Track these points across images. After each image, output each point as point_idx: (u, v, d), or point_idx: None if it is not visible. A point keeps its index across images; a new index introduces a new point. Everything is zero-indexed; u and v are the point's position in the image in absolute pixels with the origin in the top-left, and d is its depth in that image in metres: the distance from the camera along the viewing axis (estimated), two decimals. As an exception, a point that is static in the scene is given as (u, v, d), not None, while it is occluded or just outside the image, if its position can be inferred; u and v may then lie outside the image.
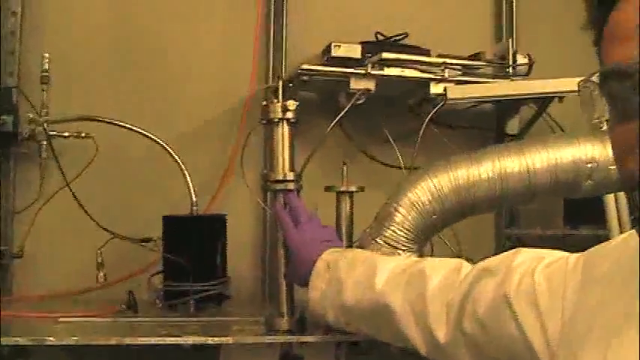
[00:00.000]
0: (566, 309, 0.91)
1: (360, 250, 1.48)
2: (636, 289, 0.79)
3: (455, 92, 1.83)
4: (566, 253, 1.01)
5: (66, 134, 1.87)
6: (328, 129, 1.78)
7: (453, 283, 1.16)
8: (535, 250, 1.08)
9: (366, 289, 1.29)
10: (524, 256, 1.06)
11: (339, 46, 1.84)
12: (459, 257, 1.32)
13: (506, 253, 1.11)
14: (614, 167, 1.33)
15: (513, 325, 0.99)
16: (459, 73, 1.88)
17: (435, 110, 1.83)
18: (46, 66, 1.85)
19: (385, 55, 1.82)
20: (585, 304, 0.89)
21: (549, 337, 0.93)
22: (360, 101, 1.81)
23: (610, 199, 1.78)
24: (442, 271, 1.20)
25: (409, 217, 1.52)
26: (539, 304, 0.96)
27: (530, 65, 1.99)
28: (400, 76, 1.84)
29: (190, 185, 1.83)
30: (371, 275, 1.29)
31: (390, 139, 2.01)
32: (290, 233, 1.47)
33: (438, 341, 1.15)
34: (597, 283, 0.89)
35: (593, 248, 0.96)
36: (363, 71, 1.80)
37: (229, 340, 1.51)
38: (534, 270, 1.00)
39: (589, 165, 1.52)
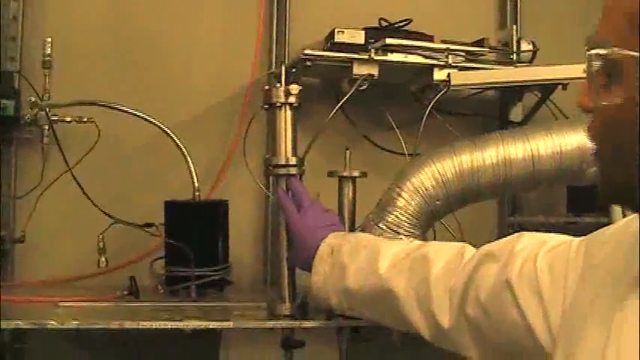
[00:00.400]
0: (567, 297, 0.91)
1: (363, 234, 1.47)
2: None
3: (458, 78, 1.82)
4: (569, 237, 1.01)
5: (68, 119, 1.86)
6: (330, 115, 1.77)
7: (456, 268, 1.16)
8: (538, 234, 1.08)
9: (369, 274, 1.29)
10: (527, 240, 1.06)
11: (343, 31, 1.83)
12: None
13: (509, 237, 1.11)
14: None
15: (515, 311, 0.99)
16: (463, 59, 1.86)
17: (438, 96, 1.82)
18: (48, 50, 1.84)
19: (388, 40, 1.81)
20: (585, 291, 0.89)
21: (551, 324, 0.93)
22: (363, 87, 1.80)
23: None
24: (445, 256, 1.20)
25: (412, 203, 1.52)
26: (541, 291, 0.95)
27: (534, 52, 1.98)
28: (403, 62, 1.82)
29: (193, 171, 1.82)
30: (374, 260, 1.29)
31: (394, 126, 2.00)
32: (293, 218, 1.47)
33: (442, 326, 1.15)
34: (597, 268, 0.88)
35: (594, 233, 0.95)
36: (366, 57, 1.79)
37: (230, 324, 1.51)
38: (537, 255, 1.00)
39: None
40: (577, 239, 0.98)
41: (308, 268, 1.42)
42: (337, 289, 1.36)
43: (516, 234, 1.10)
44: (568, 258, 0.95)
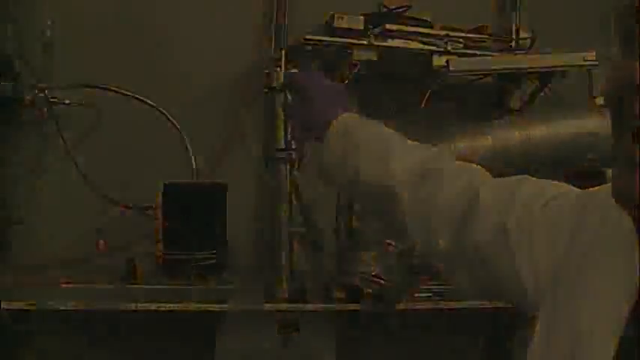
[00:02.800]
0: (557, 259, 0.91)
1: (382, 125, 1.40)
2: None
3: (457, 65, 1.83)
4: (569, 188, 1.00)
5: (67, 102, 1.86)
6: (330, 100, 1.77)
7: (465, 194, 1.13)
8: (539, 181, 1.06)
9: (379, 169, 1.22)
10: (528, 187, 1.04)
11: (343, 17, 1.84)
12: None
13: (510, 179, 1.09)
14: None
15: (508, 258, 0.97)
16: (462, 46, 1.87)
17: (437, 83, 1.83)
18: (49, 33, 1.84)
19: (388, 26, 1.81)
20: (573, 256, 0.89)
21: (539, 283, 0.93)
22: (363, 72, 1.80)
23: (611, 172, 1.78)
24: (459, 178, 1.16)
25: (409, 188, 1.52)
26: (534, 246, 0.95)
27: (532, 39, 1.99)
28: (403, 48, 1.83)
29: (192, 153, 1.83)
30: (387, 156, 1.22)
31: (392, 111, 2.01)
32: (298, 75, 1.41)
33: (438, 247, 1.13)
34: (588, 232, 0.88)
35: (593, 191, 0.94)
36: (365, 42, 1.79)
37: (229, 307, 1.52)
38: (536, 205, 0.98)
39: (591, 138, 1.52)
40: (575, 192, 0.97)
41: (311, 134, 1.28)
42: (346, 173, 1.30)
43: (518, 177, 1.08)
44: (563, 216, 0.94)
